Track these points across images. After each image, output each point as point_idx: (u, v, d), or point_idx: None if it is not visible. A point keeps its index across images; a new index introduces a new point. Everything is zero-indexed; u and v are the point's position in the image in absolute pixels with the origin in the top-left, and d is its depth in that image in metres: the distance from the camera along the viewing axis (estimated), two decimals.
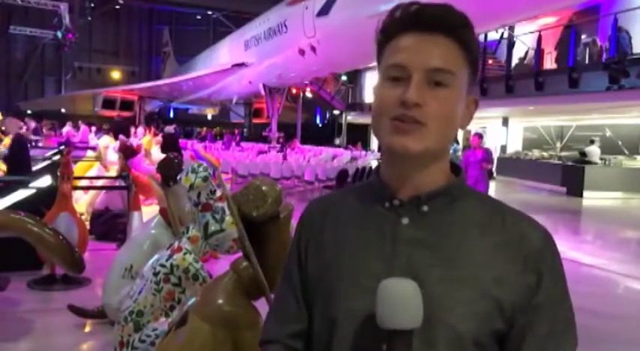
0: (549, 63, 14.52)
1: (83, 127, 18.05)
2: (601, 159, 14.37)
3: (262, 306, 1.90)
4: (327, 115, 30.44)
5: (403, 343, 0.76)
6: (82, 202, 6.73)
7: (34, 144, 12.22)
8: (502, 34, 15.13)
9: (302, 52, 14.53)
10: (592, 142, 14.54)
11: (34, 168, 6.60)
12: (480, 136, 8.66)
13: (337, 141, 26.70)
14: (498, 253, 0.82)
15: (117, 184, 6.28)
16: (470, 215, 0.85)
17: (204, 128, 30.72)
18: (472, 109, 0.89)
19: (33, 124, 16.52)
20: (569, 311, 0.84)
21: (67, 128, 17.83)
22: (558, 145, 18.82)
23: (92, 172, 7.34)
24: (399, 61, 0.82)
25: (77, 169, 6.74)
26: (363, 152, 18.80)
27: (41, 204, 4.60)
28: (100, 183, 6.88)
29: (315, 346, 0.92)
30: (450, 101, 0.82)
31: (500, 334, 0.81)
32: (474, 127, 21.98)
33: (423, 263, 0.82)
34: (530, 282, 0.81)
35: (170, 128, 13.25)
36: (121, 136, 8.88)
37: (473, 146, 8.54)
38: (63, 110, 29.45)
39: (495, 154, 18.55)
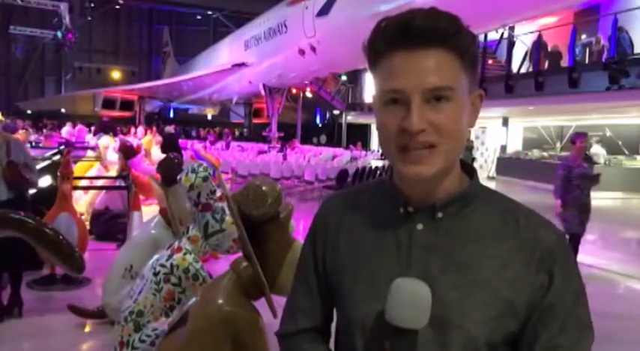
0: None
1: (79, 126, 17.79)
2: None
3: (262, 306, 1.91)
4: (327, 115, 30.42)
5: (407, 342, 0.78)
6: (82, 202, 6.73)
7: (34, 144, 12.20)
8: (502, 34, 15.12)
9: (302, 52, 14.53)
10: (597, 142, 14.54)
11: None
12: (585, 136, 5.49)
13: (314, 140, 25.74)
14: (512, 257, 0.82)
15: (117, 184, 6.27)
16: (484, 219, 0.85)
17: (206, 128, 30.67)
18: (478, 104, 0.87)
19: (21, 124, 16.33)
20: (583, 310, 0.84)
21: (66, 128, 17.65)
22: (558, 145, 18.80)
23: (92, 172, 7.33)
24: (396, 86, 0.79)
25: (77, 169, 6.72)
26: (363, 152, 18.78)
27: (41, 204, 4.59)
28: (100, 183, 6.88)
29: (338, 344, 0.95)
30: (454, 114, 0.80)
31: (512, 334, 0.82)
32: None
33: (438, 269, 0.83)
34: (542, 283, 0.81)
35: (170, 128, 13.27)
36: (121, 136, 8.90)
37: (576, 152, 5.39)
38: (63, 110, 29.43)
39: (495, 155, 18.58)
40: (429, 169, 0.80)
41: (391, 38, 0.80)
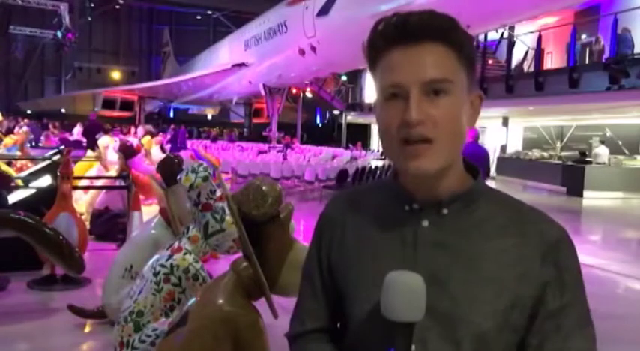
0: (550, 63, 14.53)
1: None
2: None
3: (262, 306, 1.90)
4: (327, 115, 30.43)
5: (403, 336, 0.78)
6: (82, 202, 6.72)
7: (33, 144, 12.18)
8: (502, 34, 15.13)
9: (302, 52, 14.55)
10: (602, 142, 14.57)
11: (34, 168, 6.57)
12: None
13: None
14: (518, 252, 0.84)
15: (117, 184, 6.26)
16: (489, 216, 0.87)
17: (206, 128, 30.69)
18: (477, 104, 0.89)
19: (5, 124, 16.26)
20: (585, 305, 0.86)
21: (77, 129, 17.46)
22: (558, 145, 18.79)
23: (92, 172, 7.33)
24: (395, 80, 0.81)
25: (77, 169, 6.72)
26: (363, 152, 18.79)
27: (41, 204, 4.59)
28: (100, 183, 6.87)
29: (343, 343, 0.95)
30: (452, 108, 0.81)
31: (521, 328, 0.83)
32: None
33: (445, 265, 0.84)
34: (549, 277, 0.83)
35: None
36: (121, 136, 8.88)
37: None
38: (63, 110, 29.47)
39: (495, 155, 18.57)
40: (430, 163, 0.81)
41: (389, 36, 0.82)
